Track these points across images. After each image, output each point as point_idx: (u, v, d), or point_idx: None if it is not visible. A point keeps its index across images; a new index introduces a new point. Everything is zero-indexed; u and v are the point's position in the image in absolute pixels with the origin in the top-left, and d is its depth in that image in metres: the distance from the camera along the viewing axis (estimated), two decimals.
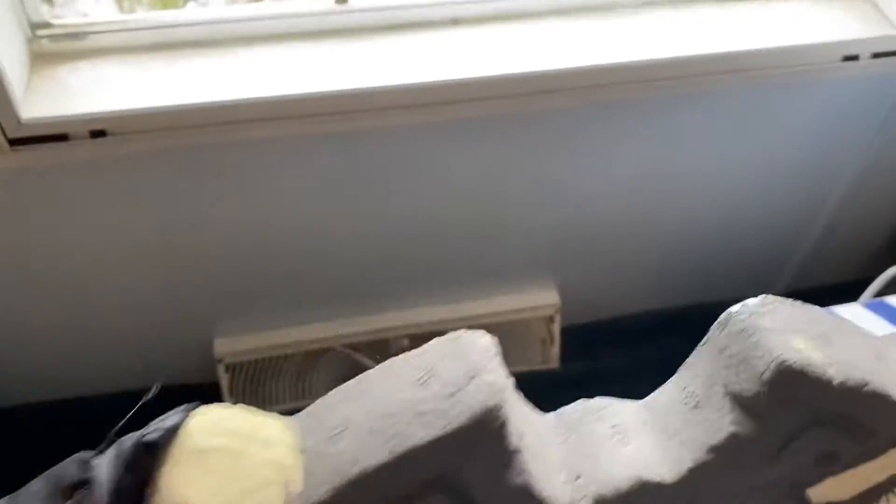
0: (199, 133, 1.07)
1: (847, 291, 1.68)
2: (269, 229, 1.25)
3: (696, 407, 0.36)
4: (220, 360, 1.34)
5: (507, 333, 1.47)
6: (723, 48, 1.18)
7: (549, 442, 0.35)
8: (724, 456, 0.34)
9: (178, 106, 1.03)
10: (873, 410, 0.34)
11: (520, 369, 1.52)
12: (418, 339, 1.43)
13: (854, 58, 1.23)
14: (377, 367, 0.34)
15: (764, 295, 0.38)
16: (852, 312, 1.14)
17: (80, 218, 1.16)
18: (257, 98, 1.05)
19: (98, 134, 1.03)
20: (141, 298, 1.30)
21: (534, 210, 1.34)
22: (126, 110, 1.02)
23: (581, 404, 0.39)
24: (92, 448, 0.38)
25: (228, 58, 1.12)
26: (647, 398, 0.39)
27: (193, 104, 1.04)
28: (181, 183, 1.15)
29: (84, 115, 1.02)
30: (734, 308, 0.37)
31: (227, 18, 1.15)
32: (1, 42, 0.98)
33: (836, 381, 0.33)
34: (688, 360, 0.39)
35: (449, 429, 0.30)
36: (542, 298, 1.45)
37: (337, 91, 1.07)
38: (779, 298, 0.38)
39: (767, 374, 0.33)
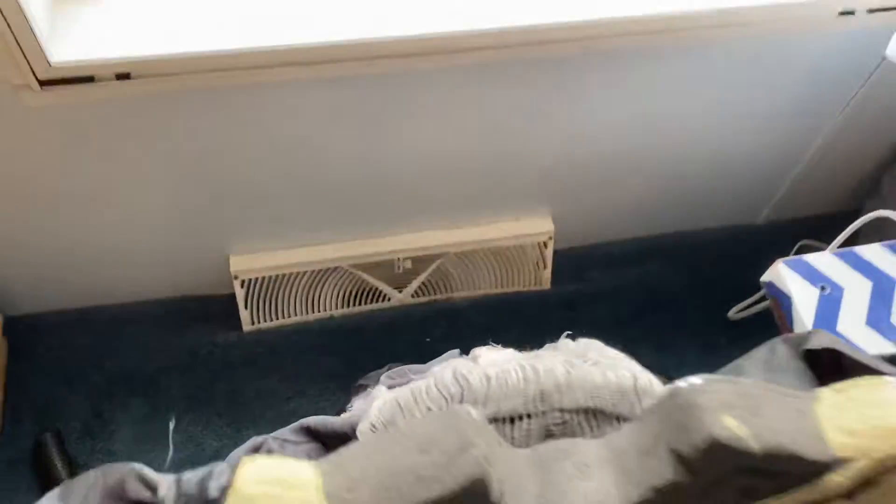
0: (218, 76, 1.12)
1: (824, 224, 1.76)
2: (282, 159, 1.32)
3: (645, 454, 0.45)
4: (235, 277, 1.44)
5: (504, 257, 1.56)
6: (725, 4, 1.21)
7: (526, 481, 0.44)
8: (663, 495, 0.44)
9: (199, 52, 1.08)
10: (790, 463, 0.43)
11: (514, 290, 1.62)
12: (420, 261, 1.52)
13: (850, 13, 1.26)
14: (391, 430, 0.43)
15: (706, 375, 0.46)
16: (821, 261, 1.23)
17: (106, 148, 1.23)
18: (269, 46, 1.10)
19: (123, 76, 1.08)
20: (162, 219, 1.39)
21: (532, 147, 1.41)
22: (150, 56, 1.07)
23: (553, 445, 0.48)
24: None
25: (242, 4, 1.15)
26: (606, 438, 0.48)
27: (216, 51, 1.09)
28: (200, 119, 1.21)
29: (111, 59, 1.06)
30: (681, 384, 0.45)
31: None
32: None
33: (757, 450, 0.41)
34: (643, 415, 0.48)
35: (443, 492, 0.39)
36: (537, 226, 1.54)
37: (353, 40, 1.12)
38: (718, 378, 0.46)
39: (702, 446, 0.41)
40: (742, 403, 0.43)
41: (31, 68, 1.04)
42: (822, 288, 1.20)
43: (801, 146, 1.58)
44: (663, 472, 0.44)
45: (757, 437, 0.42)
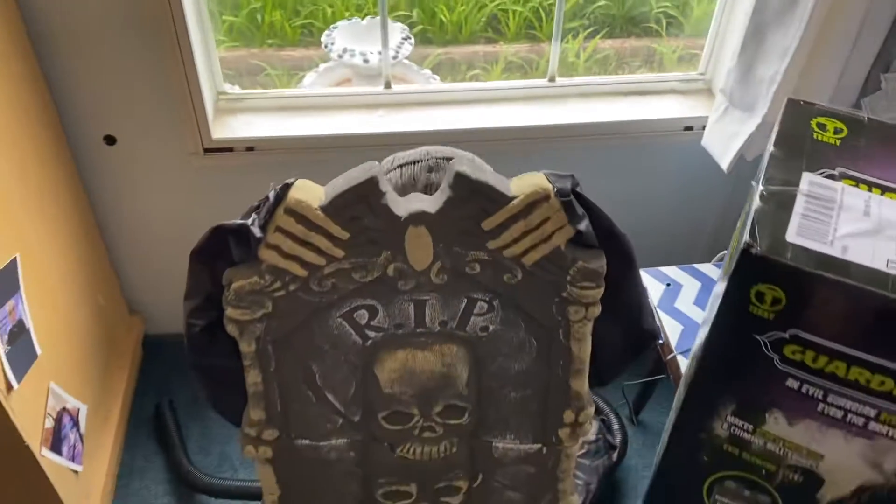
0: (307, 152, 1.96)
1: None
2: None
3: (441, 191, 1.18)
4: None
5: None
6: (606, 119, 2.01)
7: (396, 194, 1.19)
8: (448, 203, 1.16)
9: (295, 136, 1.93)
10: (491, 191, 1.16)
11: None
12: None
13: (690, 128, 2.04)
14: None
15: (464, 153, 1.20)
16: (670, 271, 1.92)
17: (237, 197, 2.05)
18: (338, 134, 1.94)
19: (249, 149, 1.93)
20: None
21: None
22: (265, 137, 1.92)
23: (412, 194, 1.22)
24: None
25: (324, 115, 2.01)
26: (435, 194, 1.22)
27: (304, 135, 1.93)
28: None
29: (241, 138, 1.92)
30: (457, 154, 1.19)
31: (324, 94, 2.05)
32: (206, 103, 1.88)
33: (473, 177, 1.15)
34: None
35: (358, 181, 1.14)
36: None
37: (388, 132, 1.95)
38: (466, 156, 1.19)
39: (454, 175, 1.15)
40: (475, 166, 1.17)
41: (201, 140, 1.90)
42: (668, 284, 1.89)
43: (700, 224, 2.28)
44: (447, 193, 1.17)
45: (472, 173, 1.15)
